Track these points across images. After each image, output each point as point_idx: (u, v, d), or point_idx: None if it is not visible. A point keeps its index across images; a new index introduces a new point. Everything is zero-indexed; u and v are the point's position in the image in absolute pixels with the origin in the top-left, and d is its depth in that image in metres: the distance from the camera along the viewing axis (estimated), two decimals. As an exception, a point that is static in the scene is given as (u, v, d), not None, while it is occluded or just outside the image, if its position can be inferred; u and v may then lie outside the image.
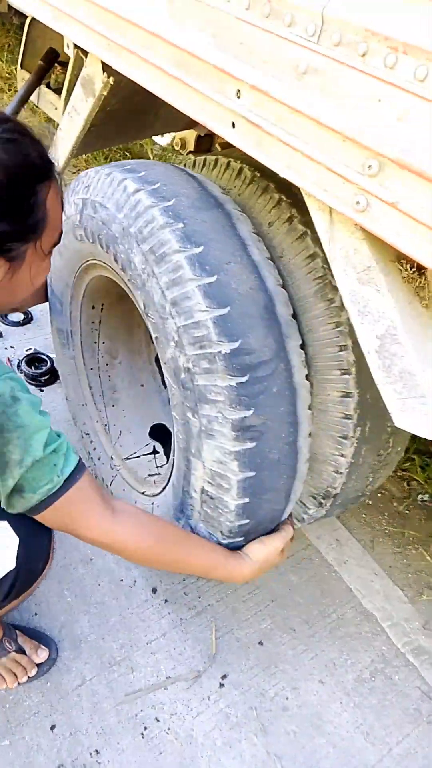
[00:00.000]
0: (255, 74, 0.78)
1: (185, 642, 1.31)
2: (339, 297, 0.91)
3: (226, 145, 1.71)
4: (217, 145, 1.73)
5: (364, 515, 1.65)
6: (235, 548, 1.03)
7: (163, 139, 3.11)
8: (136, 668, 1.26)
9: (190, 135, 1.76)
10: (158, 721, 1.20)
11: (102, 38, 1.03)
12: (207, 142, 1.75)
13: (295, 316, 0.96)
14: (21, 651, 1.20)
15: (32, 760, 1.12)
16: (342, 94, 0.68)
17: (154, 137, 3.06)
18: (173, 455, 1.04)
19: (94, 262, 1.15)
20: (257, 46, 0.77)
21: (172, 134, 2.43)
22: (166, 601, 1.38)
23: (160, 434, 1.48)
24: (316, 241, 0.94)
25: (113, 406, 1.47)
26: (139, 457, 1.43)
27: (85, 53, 1.17)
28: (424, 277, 0.75)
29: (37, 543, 0.92)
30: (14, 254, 0.81)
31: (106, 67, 1.13)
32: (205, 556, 1.04)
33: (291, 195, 0.98)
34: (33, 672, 1.20)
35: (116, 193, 1.01)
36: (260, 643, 1.34)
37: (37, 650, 1.21)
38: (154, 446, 1.46)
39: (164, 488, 1.14)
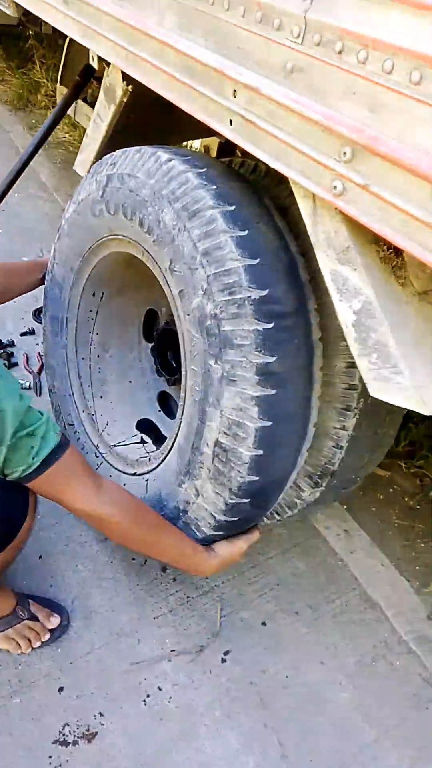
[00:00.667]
0: (249, 75, 0.85)
1: (191, 618, 1.37)
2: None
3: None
4: (238, 151, 1.81)
5: (374, 508, 1.68)
6: (240, 510, 1.08)
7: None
8: (143, 640, 1.33)
9: (213, 142, 1.85)
10: (161, 690, 1.26)
11: (121, 49, 1.12)
12: (230, 148, 1.84)
13: (310, 282, 1.04)
14: (34, 618, 1.28)
15: (40, 717, 1.19)
16: (323, 88, 0.75)
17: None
18: (181, 414, 1.10)
19: (110, 237, 1.23)
20: (251, 49, 0.84)
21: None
22: (174, 579, 1.44)
23: (146, 429, 1.52)
24: None
25: (101, 397, 1.51)
26: (127, 445, 1.48)
27: (108, 64, 1.27)
28: (401, 258, 0.80)
29: (12, 496, 1.02)
30: None
31: (125, 76, 1.23)
32: (178, 542, 1.14)
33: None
34: (46, 637, 1.28)
35: (147, 163, 1.10)
36: (264, 623, 1.38)
37: (49, 617, 1.29)
38: (141, 437, 1.50)
39: (163, 459, 1.20)
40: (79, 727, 1.18)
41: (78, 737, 1.17)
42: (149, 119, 1.41)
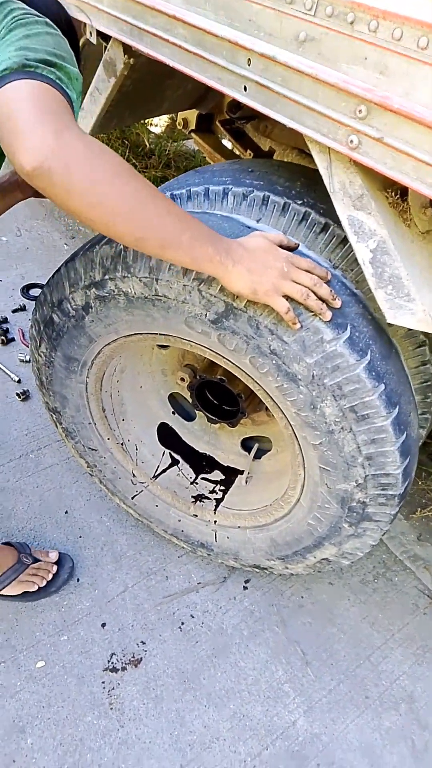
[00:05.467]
0: (262, 45, 0.95)
1: (211, 555, 1.49)
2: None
3: (226, 123, 1.89)
4: (217, 122, 1.90)
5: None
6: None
7: (157, 128, 3.30)
8: (171, 576, 1.44)
9: (192, 115, 1.93)
10: (193, 617, 1.38)
11: (125, 24, 1.20)
12: (208, 121, 1.92)
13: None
14: (37, 560, 1.38)
15: (88, 650, 1.29)
16: (336, 55, 0.86)
17: (149, 127, 3.24)
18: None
19: (195, 343, 1.09)
20: (264, 21, 0.95)
21: (167, 121, 2.60)
22: (191, 522, 1.55)
23: (167, 436, 1.47)
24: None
25: (123, 420, 1.42)
26: (165, 471, 1.45)
27: (106, 39, 1.34)
28: (406, 202, 0.93)
29: None
30: None
31: (126, 50, 1.30)
32: (177, 214, 0.82)
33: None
34: (54, 569, 1.37)
35: (303, 332, 0.93)
36: (277, 554, 1.52)
37: (48, 553, 1.39)
38: (170, 454, 1.46)
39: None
40: (125, 655, 1.29)
41: (126, 663, 1.28)
42: (140, 92, 1.48)
